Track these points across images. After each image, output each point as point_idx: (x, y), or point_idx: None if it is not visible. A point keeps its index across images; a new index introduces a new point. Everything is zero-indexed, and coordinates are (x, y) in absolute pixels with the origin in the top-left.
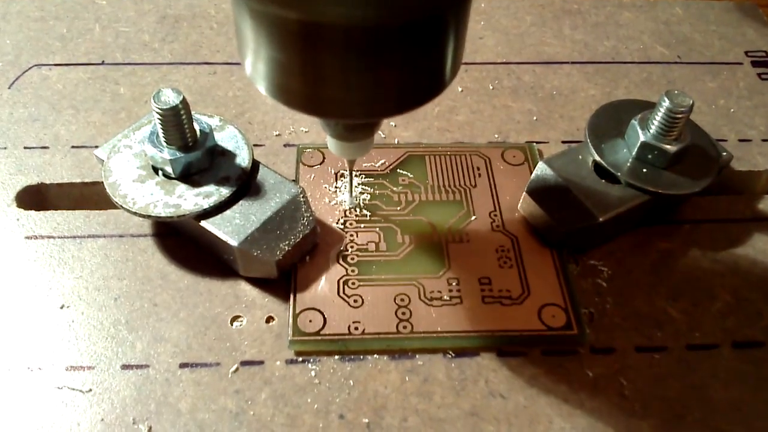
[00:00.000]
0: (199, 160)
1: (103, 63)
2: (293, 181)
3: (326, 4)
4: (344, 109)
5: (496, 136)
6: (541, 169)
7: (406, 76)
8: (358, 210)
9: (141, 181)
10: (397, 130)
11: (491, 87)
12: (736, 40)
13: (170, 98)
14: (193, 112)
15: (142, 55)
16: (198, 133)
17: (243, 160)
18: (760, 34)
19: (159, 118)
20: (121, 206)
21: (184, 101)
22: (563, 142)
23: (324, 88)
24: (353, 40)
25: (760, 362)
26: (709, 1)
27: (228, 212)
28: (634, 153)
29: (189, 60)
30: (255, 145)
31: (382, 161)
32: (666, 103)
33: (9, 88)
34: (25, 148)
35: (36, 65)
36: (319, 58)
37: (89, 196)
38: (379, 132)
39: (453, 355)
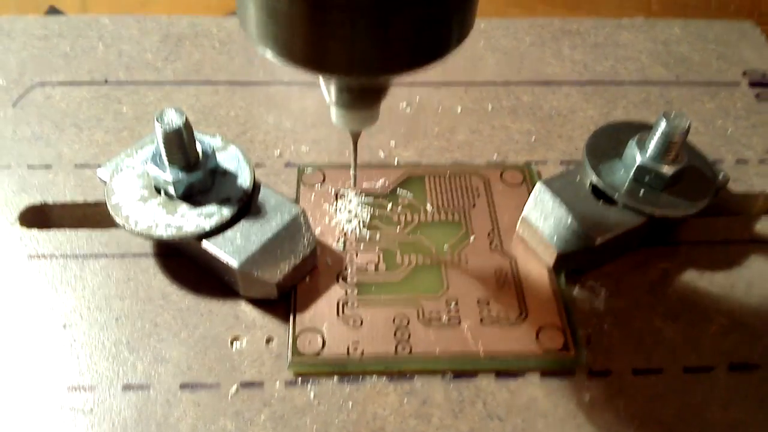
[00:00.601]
0: (201, 180)
1: (106, 82)
2: (294, 201)
3: None
4: (350, 63)
5: (495, 156)
6: (539, 190)
7: (417, 25)
8: (358, 230)
9: (143, 201)
10: (398, 150)
11: (490, 107)
12: (734, 59)
13: (173, 119)
14: (195, 132)
15: (145, 74)
16: (200, 153)
17: (244, 180)
18: (758, 54)
19: (162, 139)
20: (124, 227)
21: (187, 122)
22: (561, 162)
23: (329, 40)
24: None
25: (757, 384)
26: (707, 20)
27: (229, 233)
28: (631, 175)
29: (191, 79)
30: (256, 165)
31: (383, 181)
32: (663, 125)
33: (13, 106)
34: (28, 166)
35: (40, 83)
36: (323, 5)
37: (92, 215)
38: (380, 151)
39: (451, 377)
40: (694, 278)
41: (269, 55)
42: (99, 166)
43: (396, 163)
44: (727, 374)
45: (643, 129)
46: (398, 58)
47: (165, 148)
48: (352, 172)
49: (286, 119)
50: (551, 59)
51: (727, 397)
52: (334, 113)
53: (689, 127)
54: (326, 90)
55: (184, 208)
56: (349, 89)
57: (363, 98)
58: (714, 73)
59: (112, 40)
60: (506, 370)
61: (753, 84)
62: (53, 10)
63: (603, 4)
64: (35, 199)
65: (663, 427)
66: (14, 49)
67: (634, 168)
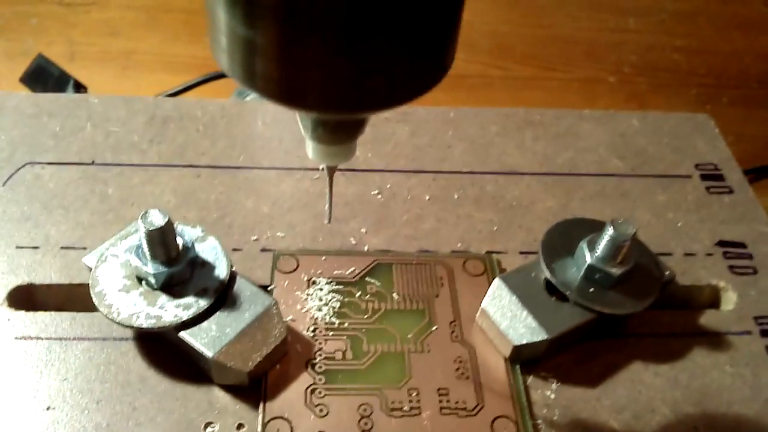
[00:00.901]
0: (181, 272)
1: (93, 163)
2: (268, 288)
3: None
4: (326, 100)
5: (459, 245)
6: (497, 286)
7: (393, 61)
8: (328, 317)
9: (126, 290)
10: (368, 237)
11: (456, 196)
12: (687, 152)
13: (156, 220)
14: (177, 223)
15: (131, 156)
16: (181, 246)
17: (221, 272)
18: (710, 147)
19: (145, 237)
20: (107, 316)
21: (168, 222)
22: (521, 252)
23: (304, 75)
24: (335, 16)
25: None
26: (665, 113)
27: (205, 324)
28: (581, 273)
29: (175, 162)
30: (233, 250)
31: (352, 269)
32: (610, 231)
33: (3, 185)
34: (17, 247)
35: (30, 163)
36: (297, 37)
37: (76, 296)
38: (351, 238)
39: None
40: (640, 370)
41: (241, 84)
42: (84, 248)
43: (365, 251)
44: None
45: (595, 228)
46: (375, 95)
47: (147, 244)
48: (327, 207)
49: (264, 204)
50: (514, 150)
51: None
52: (310, 148)
53: (635, 234)
54: (303, 125)
55: (163, 298)
56: (325, 124)
57: (339, 133)
58: (668, 165)
59: (100, 120)
60: None
61: (704, 177)
62: (42, 58)
63: (576, 64)
64: (22, 279)
65: None
66: (5, 127)
67: (585, 267)
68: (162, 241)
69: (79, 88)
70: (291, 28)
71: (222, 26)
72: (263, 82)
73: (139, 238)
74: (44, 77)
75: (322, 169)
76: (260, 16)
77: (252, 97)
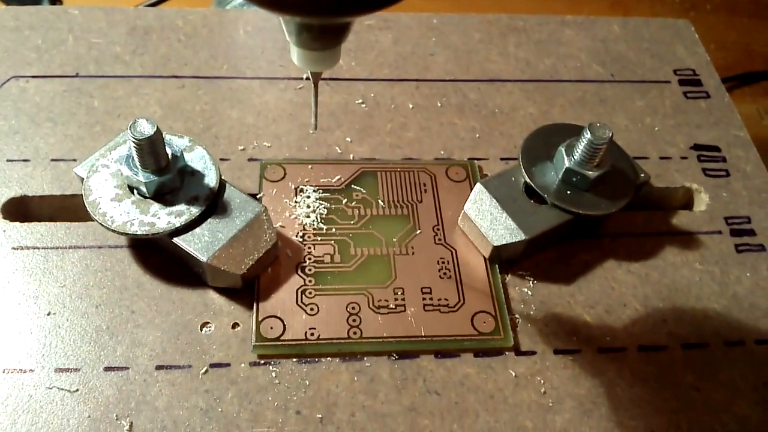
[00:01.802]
0: (171, 180)
1: (77, 75)
2: (257, 196)
3: None
4: (310, 2)
5: (442, 152)
6: (478, 190)
7: None
8: (316, 224)
9: (118, 200)
10: (353, 146)
11: (439, 104)
12: (667, 58)
13: (145, 129)
14: (164, 133)
15: (114, 68)
16: (170, 155)
17: (211, 180)
18: (690, 53)
19: (135, 146)
20: (101, 224)
21: (158, 131)
22: (502, 159)
23: None
24: None
25: (662, 364)
26: (646, 18)
27: (198, 230)
28: (560, 176)
29: (158, 73)
30: (221, 160)
31: (338, 177)
32: (588, 135)
33: None
34: (7, 160)
35: (14, 77)
36: None
37: (69, 207)
38: (336, 147)
39: (396, 357)
40: (614, 268)
41: None
42: (74, 160)
43: (351, 159)
44: (637, 354)
45: (574, 133)
46: None
47: (137, 154)
48: (313, 116)
49: (249, 114)
50: (497, 56)
51: (635, 374)
52: (295, 54)
53: (611, 137)
54: (287, 30)
55: (156, 206)
56: (309, 29)
57: (324, 38)
58: (647, 71)
59: (81, 32)
60: (444, 350)
61: (682, 82)
62: None
63: None
64: (15, 192)
65: (577, 400)
66: None
67: (563, 171)
68: (151, 150)
69: (55, 0)
70: None
71: None
72: None
73: (129, 147)
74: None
75: (307, 78)
76: None
77: (233, 5)
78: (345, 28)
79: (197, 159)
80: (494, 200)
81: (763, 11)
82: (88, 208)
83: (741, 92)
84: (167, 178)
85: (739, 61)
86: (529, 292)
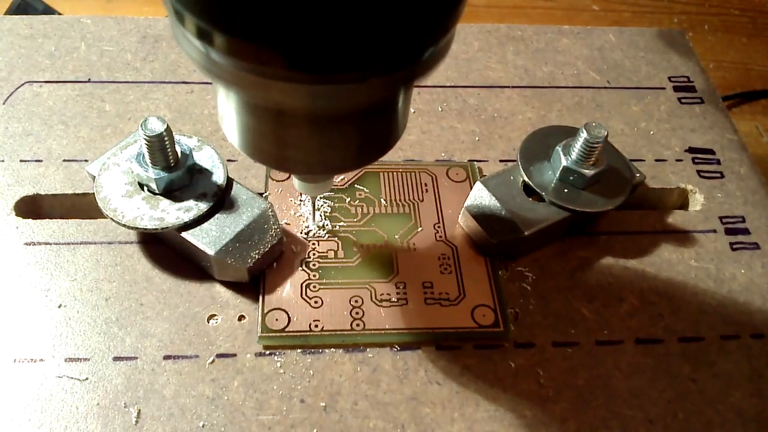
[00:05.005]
0: (180, 178)
1: (89, 81)
2: (263, 195)
3: (284, 96)
4: (307, 167)
5: (443, 154)
6: (478, 188)
7: (357, 143)
8: (321, 231)
9: (129, 196)
10: None
11: (440, 109)
12: (662, 65)
13: (156, 126)
14: (174, 133)
15: (125, 74)
16: (179, 154)
17: (219, 177)
18: (684, 60)
19: (146, 143)
20: (112, 219)
21: (168, 129)
22: (501, 161)
23: (290, 152)
24: (309, 119)
25: (658, 356)
26: (640, 27)
27: (205, 225)
28: (557, 175)
29: (168, 79)
30: (228, 160)
31: (342, 177)
32: (584, 134)
33: (4, 103)
34: (21, 161)
35: (28, 82)
36: (285, 130)
37: (80, 205)
38: None
39: (398, 348)
40: (611, 264)
41: (244, 153)
42: (85, 160)
43: None
44: (634, 347)
45: (570, 134)
46: (344, 163)
47: (148, 151)
48: (311, 215)
49: None
50: (496, 64)
51: (632, 366)
52: (295, 181)
53: (607, 136)
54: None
55: (165, 203)
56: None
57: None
58: (642, 78)
59: (94, 40)
60: (445, 342)
61: (677, 88)
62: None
63: None
64: (28, 191)
65: (575, 391)
66: (2, 48)
67: (560, 169)
68: (162, 148)
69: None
70: (281, 127)
71: (233, 116)
72: (260, 155)
73: (140, 145)
74: (28, 12)
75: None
76: (258, 116)
77: None
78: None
79: (206, 157)
80: (494, 198)
81: (761, 31)
82: (99, 204)
83: (740, 110)
84: (176, 175)
85: (738, 81)
86: (528, 287)
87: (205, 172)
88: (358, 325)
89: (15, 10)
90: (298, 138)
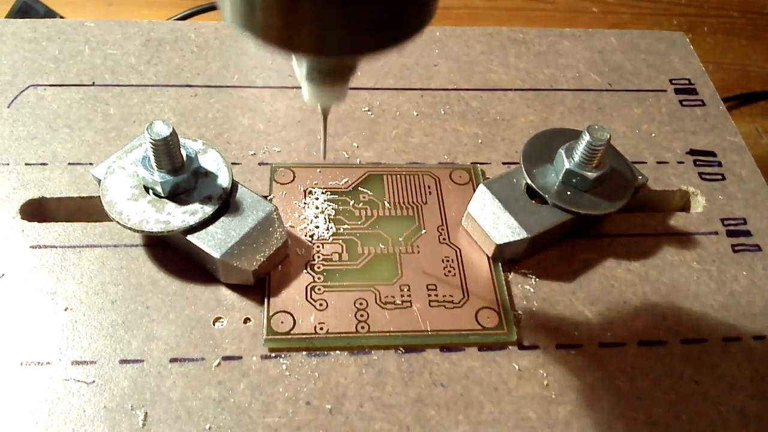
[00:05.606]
0: (186, 181)
1: (93, 84)
2: (267, 198)
3: None
4: (321, 45)
5: (446, 157)
6: (481, 191)
7: (381, 10)
8: (325, 224)
9: (134, 199)
10: (360, 151)
11: (443, 112)
12: (663, 68)
13: (162, 130)
14: (179, 137)
15: (129, 77)
16: (185, 157)
17: (223, 180)
18: (685, 63)
19: (151, 147)
20: (118, 222)
21: (173, 132)
22: (503, 163)
23: (301, 23)
24: None
25: (661, 358)
26: (641, 30)
27: (211, 228)
28: (560, 178)
29: (172, 82)
30: (233, 164)
31: (346, 180)
32: (587, 137)
33: (8, 107)
34: (26, 164)
35: (32, 85)
36: None
37: (85, 208)
38: (344, 152)
39: (403, 351)
40: (614, 266)
41: (246, 33)
42: (90, 164)
43: (358, 163)
44: (637, 349)
45: (573, 137)
46: (365, 41)
47: (153, 154)
48: (322, 145)
49: (259, 121)
50: (498, 67)
51: (636, 368)
52: (305, 90)
53: (609, 138)
54: (298, 69)
55: (170, 206)
56: (320, 68)
57: (333, 76)
58: (644, 80)
59: (97, 43)
60: (449, 344)
61: (678, 91)
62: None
63: None
64: (34, 194)
65: (580, 393)
66: (6, 52)
67: (563, 172)
68: (167, 151)
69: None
70: None
71: None
72: (265, 31)
73: (146, 149)
74: (30, 15)
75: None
76: None
77: None
78: (352, 68)
79: (210, 161)
80: (497, 200)
81: (760, 33)
82: (105, 207)
83: (739, 112)
84: (182, 178)
85: (737, 82)
86: (532, 289)
87: (210, 175)
88: (363, 327)
89: (16, 13)
90: (310, 5)
